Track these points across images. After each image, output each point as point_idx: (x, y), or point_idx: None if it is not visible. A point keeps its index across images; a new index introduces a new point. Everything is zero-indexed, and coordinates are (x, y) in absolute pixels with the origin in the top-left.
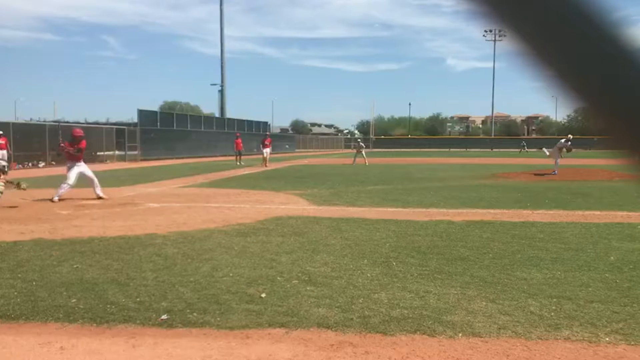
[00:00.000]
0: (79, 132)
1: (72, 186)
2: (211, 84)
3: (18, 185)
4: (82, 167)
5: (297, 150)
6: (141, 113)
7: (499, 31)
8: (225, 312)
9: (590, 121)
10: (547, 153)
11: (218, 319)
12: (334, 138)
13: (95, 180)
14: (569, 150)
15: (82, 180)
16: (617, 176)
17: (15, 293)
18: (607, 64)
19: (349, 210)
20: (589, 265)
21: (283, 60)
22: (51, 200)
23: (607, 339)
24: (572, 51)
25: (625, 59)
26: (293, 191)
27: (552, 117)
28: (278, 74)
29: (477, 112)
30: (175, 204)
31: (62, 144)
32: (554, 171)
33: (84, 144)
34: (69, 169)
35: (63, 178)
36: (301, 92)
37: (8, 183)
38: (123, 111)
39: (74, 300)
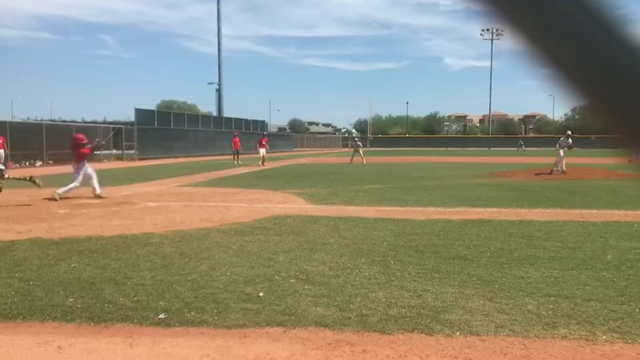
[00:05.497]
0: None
1: (79, 187)
2: (208, 83)
3: (31, 180)
4: (87, 167)
5: (294, 149)
6: (138, 112)
7: (497, 30)
8: (223, 311)
9: (589, 120)
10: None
11: (216, 318)
12: (332, 137)
13: (95, 177)
14: (570, 148)
15: (84, 180)
16: (614, 175)
17: (13, 292)
18: (610, 61)
19: (346, 209)
20: (586, 264)
21: (281, 59)
22: (52, 197)
23: (604, 337)
24: (574, 49)
25: (627, 56)
26: (291, 190)
27: (550, 116)
28: (276, 73)
29: (475, 111)
30: (172, 203)
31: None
32: (552, 170)
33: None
34: (78, 169)
35: (61, 178)
36: (299, 91)
37: (16, 180)
38: (120, 110)
39: (71, 300)
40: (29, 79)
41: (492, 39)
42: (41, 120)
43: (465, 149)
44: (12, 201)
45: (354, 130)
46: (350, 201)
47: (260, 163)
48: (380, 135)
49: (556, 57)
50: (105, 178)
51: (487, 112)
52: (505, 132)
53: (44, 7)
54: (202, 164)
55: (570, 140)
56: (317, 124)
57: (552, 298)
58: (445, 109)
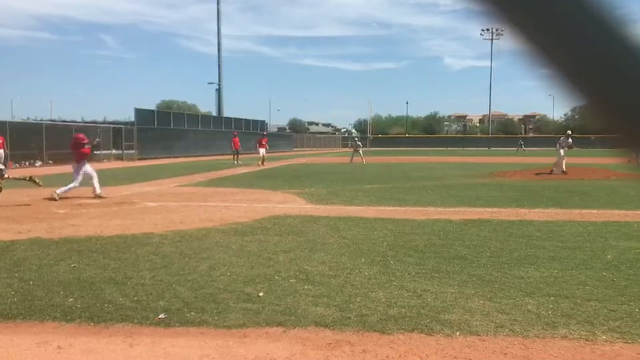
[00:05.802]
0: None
1: (79, 187)
2: (208, 83)
3: (31, 180)
4: (87, 166)
5: (294, 149)
6: (138, 112)
7: (497, 30)
8: (223, 311)
9: (589, 120)
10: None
11: (215, 318)
12: (332, 137)
13: (96, 177)
14: (570, 147)
15: (84, 180)
16: (614, 175)
17: (12, 292)
18: (610, 61)
19: (346, 209)
20: (586, 264)
21: (281, 59)
22: (52, 197)
23: (604, 337)
24: (574, 49)
25: (627, 56)
26: (290, 190)
27: (550, 116)
28: (276, 73)
29: (475, 110)
30: (172, 202)
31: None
32: (552, 170)
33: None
34: (78, 169)
35: (61, 177)
36: (299, 91)
37: (16, 180)
38: (120, 110)
39: (71, 300)
40: (28, 79)
41: (492, 39)
42: (41, 120)
43: (465, 148)
44: (12, 201)
45: (353, 130)
46: (350, 201)
47: (260, 163)
48: (380, 135)
49: (556, 57)
50: (105, 178)
51: (487, 112)
52: (505, 132)
53: (44, 7)
54: (202, 164)
55: (570, 139)
56: (317, 124)
57: (552, 298)
58: (445, 109)
